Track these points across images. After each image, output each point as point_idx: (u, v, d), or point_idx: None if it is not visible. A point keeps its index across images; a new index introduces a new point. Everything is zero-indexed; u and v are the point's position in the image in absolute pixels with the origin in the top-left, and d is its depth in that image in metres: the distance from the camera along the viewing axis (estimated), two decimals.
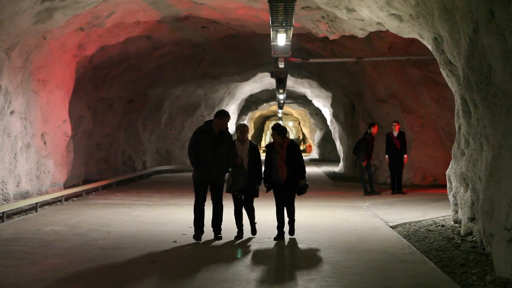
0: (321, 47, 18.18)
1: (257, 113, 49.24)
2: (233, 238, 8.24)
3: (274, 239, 8.19)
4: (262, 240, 8.16)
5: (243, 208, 8.39)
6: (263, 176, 8.35)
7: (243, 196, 8.29)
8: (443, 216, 9.98)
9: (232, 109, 33.14)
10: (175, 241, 8.07)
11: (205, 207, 8.27)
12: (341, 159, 26.20)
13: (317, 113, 36.89)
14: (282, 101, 32.50)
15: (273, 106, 43.79)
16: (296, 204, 8.52)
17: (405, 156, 14.83)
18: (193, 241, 8.05)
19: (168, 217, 10.50)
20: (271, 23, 10.97)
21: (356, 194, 14.56)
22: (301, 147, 50.44)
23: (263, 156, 8.62)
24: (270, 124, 62.98)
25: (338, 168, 26.23)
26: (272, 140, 8.37)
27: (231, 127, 32.20)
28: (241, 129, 8.36)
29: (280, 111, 40.84)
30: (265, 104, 39.92)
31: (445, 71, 8.65)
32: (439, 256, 7.01)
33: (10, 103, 11.51)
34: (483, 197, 6.69)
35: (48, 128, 13.75)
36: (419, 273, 6.20)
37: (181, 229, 9.04)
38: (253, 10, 13.63)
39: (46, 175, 13.40)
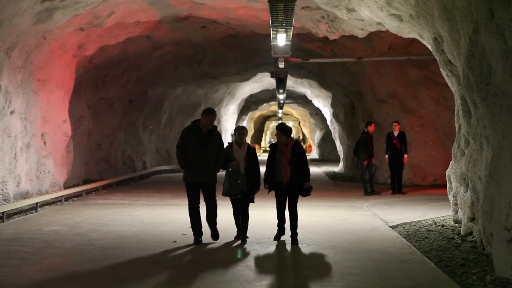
0: (321, 47, 18.18)
1: (257, 113, 49.26)
2: (233, 239, 8.23)
3: (274, 239, 8.19)
4: (262, 240, 8.15)
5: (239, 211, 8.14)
6: (264, 176, 8.18)
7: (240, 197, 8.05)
8: (443, 216, 9.98)
9: (232, 109, 33.17)
10: (175, 241, 8.07)
11: (201, 208, 8.10)
12: (341, 159, 26.22)
13: (317, 113, 36.91)
14: (282, 101, 32.51)
15: (273, 106, 43.82)
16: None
17: (405, 156, 14.83)
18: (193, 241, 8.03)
19: (168, 217, 10.50)
20: (271, 23, 10.96)
21: (356, 194, 14.56)
22: None
23: (260, 157, 8.51)
24: (270, 124, 62.94)
25: (338, 168, 26.24)
26: (272, 140, 8.30)
27: (231, 128, 32.22)
28: (240, 131, 8.10)
29: (280, 111, 40.87)
30: (265, 104, 39.94)
31: (445, 71, 8.65)
32: (439, 256, 7.01)
33: (10, 103, 11.50)
34: (483, 197, 6.70)
35: (48, 128, 13.74)
36: (419, 273, 6.21)
37: (181, 229, 9.04)
38: (253, 10, 13.63)
39: (46, 175, 13.39)
